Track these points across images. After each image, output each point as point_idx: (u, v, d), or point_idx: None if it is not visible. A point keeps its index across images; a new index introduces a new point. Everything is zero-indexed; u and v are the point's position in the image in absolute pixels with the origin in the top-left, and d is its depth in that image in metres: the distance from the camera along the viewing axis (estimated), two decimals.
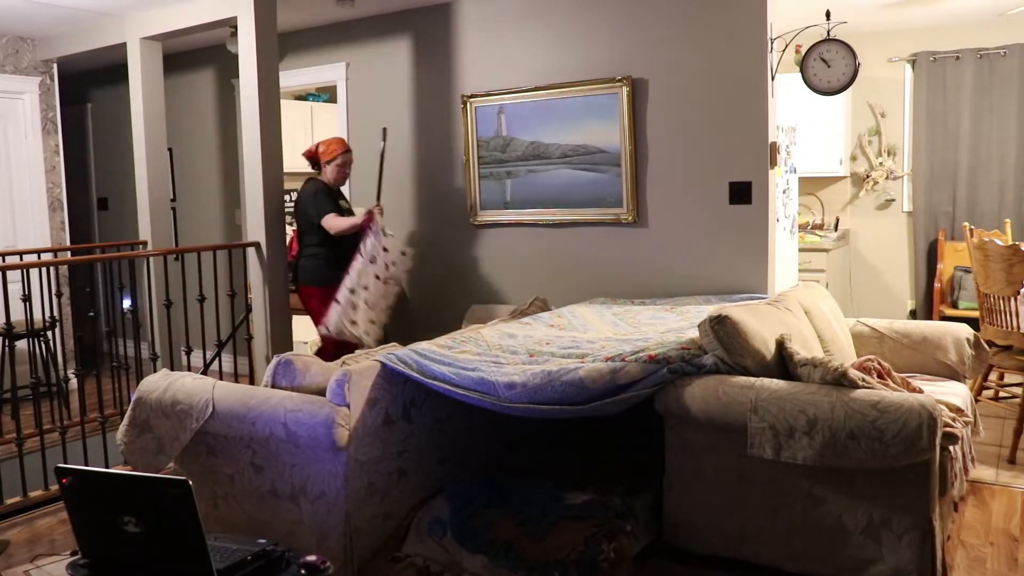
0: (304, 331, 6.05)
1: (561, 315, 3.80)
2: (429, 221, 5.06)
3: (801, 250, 5.22)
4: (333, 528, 2.70)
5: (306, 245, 4.49)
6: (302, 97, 7.02)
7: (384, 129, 4.72)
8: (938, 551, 2.48)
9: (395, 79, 5.10)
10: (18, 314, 4.03)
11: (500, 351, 3.09)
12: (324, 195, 4.42)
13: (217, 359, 4.63)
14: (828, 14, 3.95)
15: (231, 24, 4.50)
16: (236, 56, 4.46)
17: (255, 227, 4.46)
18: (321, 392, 2.79)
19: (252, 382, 4.48)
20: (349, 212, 4.55)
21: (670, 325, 3.49)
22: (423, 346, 3.08)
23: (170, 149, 5.98)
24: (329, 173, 4.45)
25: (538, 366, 2.86)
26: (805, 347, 3.07)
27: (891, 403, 2.46)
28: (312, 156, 4.50)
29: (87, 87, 6.89)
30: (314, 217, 4.39)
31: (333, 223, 4.36)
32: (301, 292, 4.54)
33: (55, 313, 4.34)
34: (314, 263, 4.46)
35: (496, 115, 4.71)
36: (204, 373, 4.17)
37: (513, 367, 2.88)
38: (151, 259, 4.60)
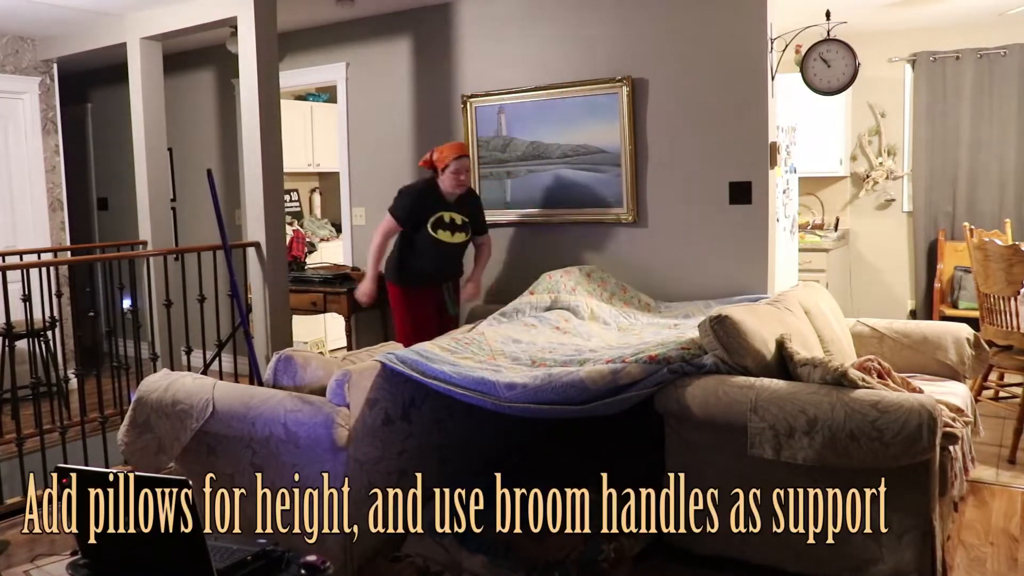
0: (304, 331, 6.06)
1: (568, 318, 3.76)
2: None
3: (801, 250, 5.22)
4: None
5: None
6: (302, 97, 7.02)
7: (209, 171, 4.15)
8: (938, 551, 2.48)
9: (395, 79, 5.10)
10: (18, 314, 4.03)
11: (503, 357, 3.08)
12: (413, 196, 4.15)
13: (217, 359, 4.63)
14: (828, 14, 3.95)
15: (231, 24, 4.50)
16: (236, 56, 4.46)
17: (255, 227, 4.46)
18: (321, 388, 2.80)
19: (252, 382, 4.47)
20: (459, 227, 4.20)
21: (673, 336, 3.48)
22: (424, 346, 3.08)
23: (170, 149, 5.98)
24: (445, 182, 4.14)
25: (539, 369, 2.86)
26: (805, 347, 3.06)
27: (891, 403, 2.46)
28: (428, 165, 4.22)
29: (87, 87, 6.88)
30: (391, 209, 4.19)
31: (382, 227, 4.19)
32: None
33: (55, 313, 4.34)
34: (391, 259, 4.29)
35: (496, 115, 4.71)
36: (204, 373, 4.17)
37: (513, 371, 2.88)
38: (151, 259, 4.60)
